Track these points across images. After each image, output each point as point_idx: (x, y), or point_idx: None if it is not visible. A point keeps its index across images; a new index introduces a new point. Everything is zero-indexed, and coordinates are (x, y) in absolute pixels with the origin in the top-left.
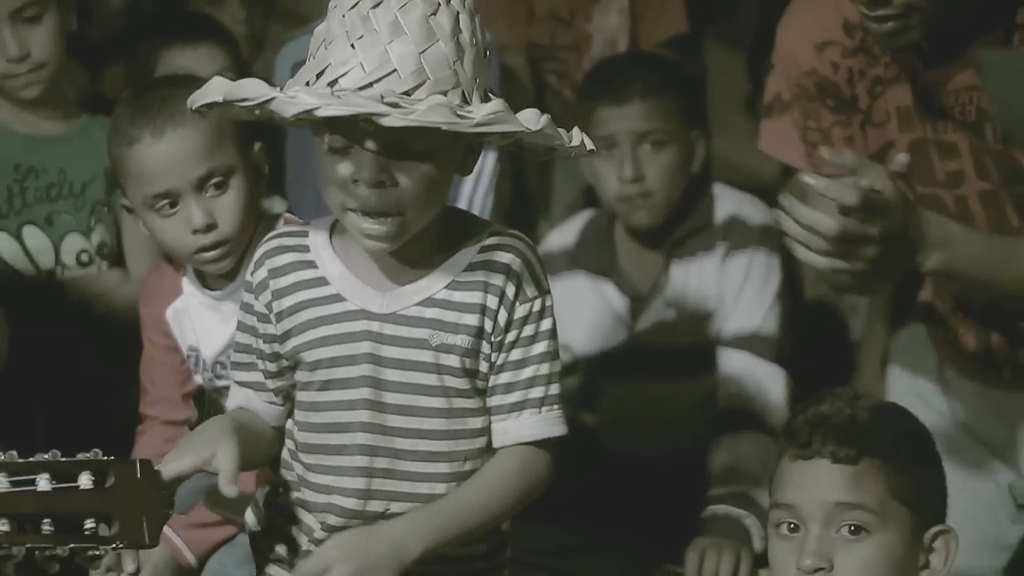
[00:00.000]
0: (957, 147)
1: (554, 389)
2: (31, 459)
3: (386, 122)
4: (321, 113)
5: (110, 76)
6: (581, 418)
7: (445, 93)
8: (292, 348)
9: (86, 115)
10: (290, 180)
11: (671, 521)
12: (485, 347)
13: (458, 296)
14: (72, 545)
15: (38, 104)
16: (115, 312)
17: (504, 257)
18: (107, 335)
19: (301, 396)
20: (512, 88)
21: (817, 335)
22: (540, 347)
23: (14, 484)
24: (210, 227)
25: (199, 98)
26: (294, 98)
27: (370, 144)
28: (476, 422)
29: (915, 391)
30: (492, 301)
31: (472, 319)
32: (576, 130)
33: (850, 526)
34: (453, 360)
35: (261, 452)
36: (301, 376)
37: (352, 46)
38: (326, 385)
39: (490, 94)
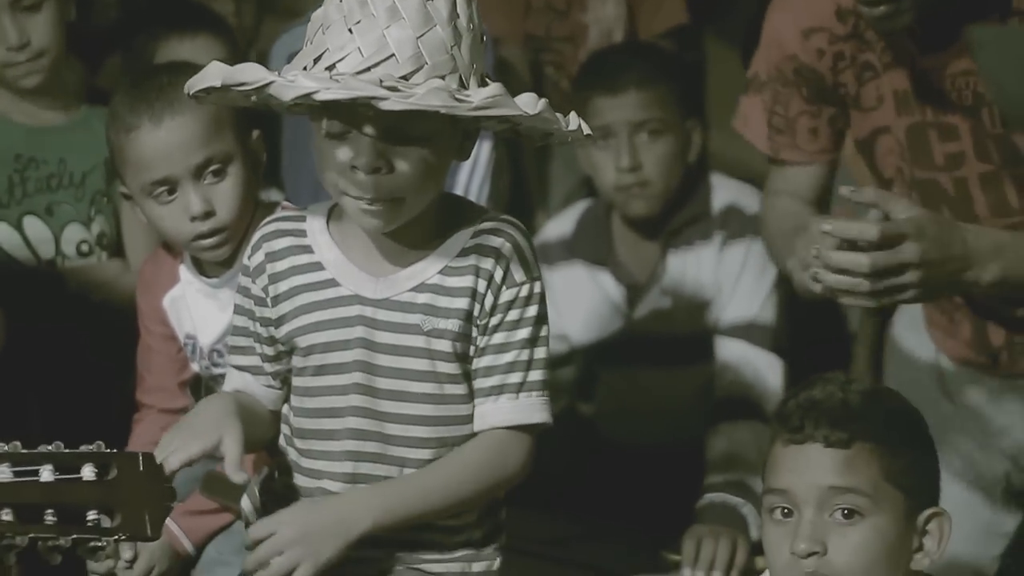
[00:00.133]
0: (957, 129)
1: (536, 376)
2: (34, 450)
3: (385, 105)
4: (320, 97)
5: (108, 69)
6: (578, 407)
7: (443, 78)
8: (287, 333)
9: (86, 106)
10: (286, 168)
11: (669, 509)
12: (473, 331)
13: (450, 281)
14: (74, 536)
15: (38, 93)
16: (114, 302)
17: (495, 241)
18: (106, 325)
19: (296, 381)
20: (508, 79)
21: (815, 326)
22: (523, 332)
23: (17, 475)
24: (208, 214)
25: (197, 83)
26: (292, 82)
27: (368, 129)
28: (466, 409)
29: (912, 378)
30: (481, 285)
31: (463, 303)
32: (573, 114)
33: (843, 510)
34: (445, 345)
35: (260, 435)
36: (296, 361)
37: (350, 31)
38: (320, 370)
39: (487, 79)
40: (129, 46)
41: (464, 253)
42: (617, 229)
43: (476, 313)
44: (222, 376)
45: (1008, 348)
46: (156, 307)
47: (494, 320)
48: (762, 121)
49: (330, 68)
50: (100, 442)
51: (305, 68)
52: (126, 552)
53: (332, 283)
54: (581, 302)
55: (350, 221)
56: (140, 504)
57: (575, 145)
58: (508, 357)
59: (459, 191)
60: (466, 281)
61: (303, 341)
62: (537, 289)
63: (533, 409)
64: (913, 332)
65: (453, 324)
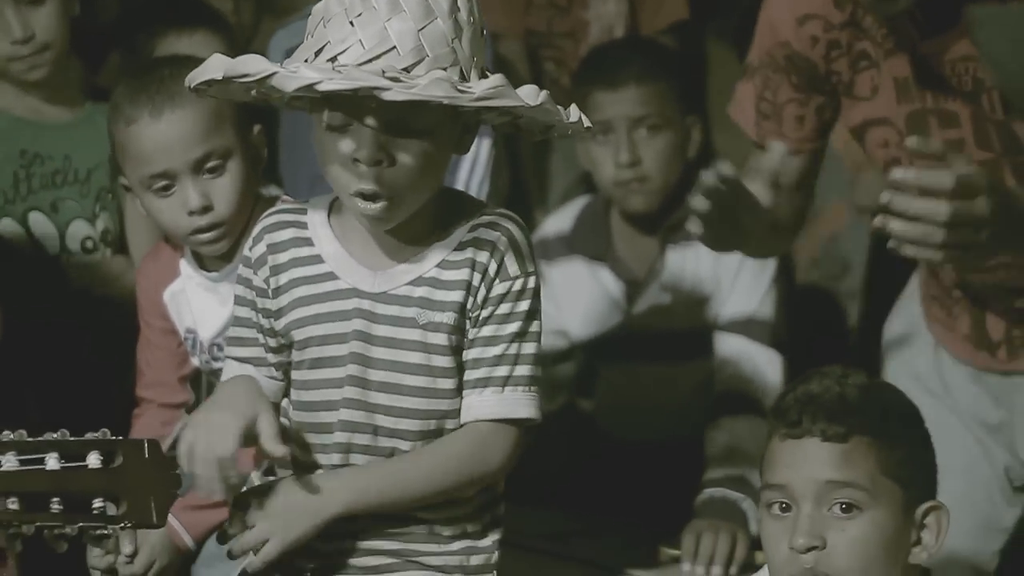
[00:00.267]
0: (957, 116)
1: (523, 371)
2: (40, 438)
3: (388, 96)
4: (323, 87)
5: (109, 67)
6: (578, 403)
7: (444, 70)
8: (285, 325)
9: (90, 103)
10: (283, 164)
11: (668, 505)
12: (467, 324)
13: (447, 275)
14: (80, 524)
15: (43, 88)
16: (117, 298)
17: (491, 235)
18: (107, 323)
19: (294, 375)
20: (507, 75)
21: (815, 322)
22: (513, 327)
23: (23, 463)
24: (206, 209)
25: (199, 75)
26: (295, 73)
27: (370, 121)
28: (457, 404)
29: (911, 374)
30: (476, 278)
31: (458, 296)
32: (573, 107)
33: (841, 504)
34: (440, 339)
35: None
36: (293, 355)
37: (351, 23)
38: (316, 363)
39: (487, 72)
40: (128, 44)
41: (461, 247)
42: (616, 225)
43: (469, 306)
44: (222, 370)
45: (1007, 342)
46: (156, 301)
47: (485, 312)
48: (751, 107)
49: (332, 60)
50: (105, 429)
51: (306, 61)
52: (127, 547)
53: (331, 276)
54: (580, 298)
55: (350, 215)
56: (146, 491)
57: (575, 140)
58: (496, 350)
59: (459, 188)
60: (462, 274)
61: (300, 334)
62: (531, 284)
63: (518, 404)
64: (912, 327)
65: (448, 317)
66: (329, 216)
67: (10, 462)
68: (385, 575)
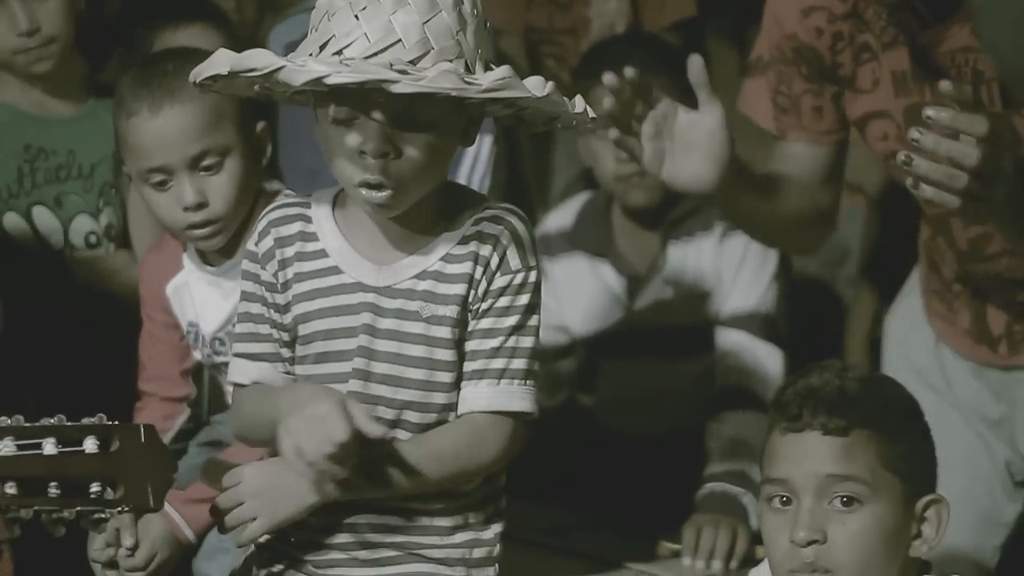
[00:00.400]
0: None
1: (519, 364)
2: (37, 423)
3: (396, 88)
4: (331, 81)
5: (114, 65)
6: (579, 398)
7: (450, 62)
8: (292, 320)
9: (93, 98)
10: (283, 160)
11: (668, 499)
12: (468, 316)
13: (450, 268)
14: (78, 508)
15: (47, 82)
16: (120, 293)
17: (495, 228)
18: (110, 317)
19: (297, 370)
20: None
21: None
22: (511, 320)
23: (21, 448)
24: (200, 205)
25: (204, 70)
26: (303, 66)
27: (377, 114)
28: (456, 396)
29: (912, 368)
30: (478, 271)
31: (460, 288)
32: (579, 98)
33: (842, 497)
34: (444, 332)
35: None
36: (297, 350)
37: (356, 17)
38: (321, 358)
39: (491, 65)
40: (128, 40)
41: (465, 240)
42: (617, 220)
43: (470, 299)
44: (224, 364)
45: (1008, 337)
46: (159, 295)
47: (484, 305)
48: (767, 101)
49: (337, 54)
50: (102, 414)
51: (311, 55)
52: (128, 539)
53: (335, 271)
54: (582, 293)
55: (354, 208)
56: (142, 475)
57: (577, 135)
58: (493, 343)
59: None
60: (465, 268)
61: (305, 328)
62: (532, 278)
63: (513, 397)
64: (913, 321)
65: (451, 311)
66: (333, 210)
67: (7, 447)
68: (388, 567)
